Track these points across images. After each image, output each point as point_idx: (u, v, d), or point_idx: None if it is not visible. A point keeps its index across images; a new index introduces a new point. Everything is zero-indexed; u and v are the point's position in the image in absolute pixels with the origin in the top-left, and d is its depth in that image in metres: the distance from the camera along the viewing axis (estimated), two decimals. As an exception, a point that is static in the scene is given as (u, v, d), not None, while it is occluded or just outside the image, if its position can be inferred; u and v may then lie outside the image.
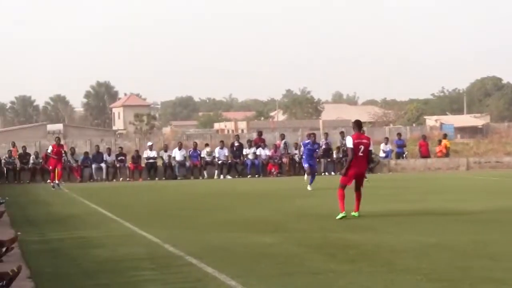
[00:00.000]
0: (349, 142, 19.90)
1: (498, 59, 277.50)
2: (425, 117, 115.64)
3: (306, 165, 31.47)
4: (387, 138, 57.32)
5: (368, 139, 20.04)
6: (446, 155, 53.73)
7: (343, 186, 19.73)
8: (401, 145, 55.00)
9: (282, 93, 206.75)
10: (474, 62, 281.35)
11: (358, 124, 20.26)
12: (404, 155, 54.11)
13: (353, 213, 19.67)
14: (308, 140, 31.36)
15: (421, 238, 15.95)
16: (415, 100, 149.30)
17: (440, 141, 54.20)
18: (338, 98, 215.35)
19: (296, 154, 48.78)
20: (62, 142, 44.68)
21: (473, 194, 28.02)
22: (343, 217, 19.29)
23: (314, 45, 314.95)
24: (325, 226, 18.62)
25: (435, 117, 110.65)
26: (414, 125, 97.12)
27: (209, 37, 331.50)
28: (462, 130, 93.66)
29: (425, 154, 53.47)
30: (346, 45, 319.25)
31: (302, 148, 31.22)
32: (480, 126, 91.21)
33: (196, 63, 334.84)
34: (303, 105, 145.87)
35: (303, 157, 31.60)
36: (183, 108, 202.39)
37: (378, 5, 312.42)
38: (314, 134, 32.12)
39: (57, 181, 37.67)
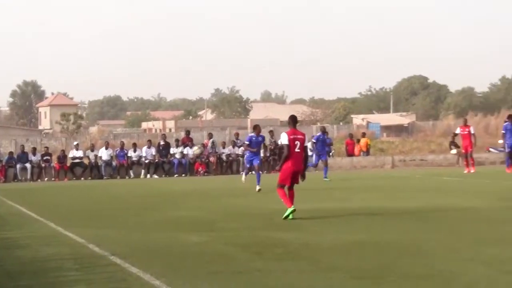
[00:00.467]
0: (284, 138, 19.21)
1: (425, 58, 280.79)
2: (352, 116, 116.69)
3: (250, 164, 30.33)
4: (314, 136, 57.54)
5: (303, 134, 19.53)
6: (367, 153, 54.48)
7: (281, 186, 19.25)
8: (328, 144, 55.32)
9: (210, 92, 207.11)
10: (401, 61, 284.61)
11: (293, 120, 19.89)
12: (331, 154, 54.44)
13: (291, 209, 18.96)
14: (252, 134, 30.01)
15: (347, 236, 16.05)
16: (343, 99, 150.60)
17: (358, 140, 54.83)
18: (266, 97, 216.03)
19: (224, 153, 48.88)
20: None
21: (397, 192, 28.29)
22: (292, 211, 18.71)
23: (243, 45, 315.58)
24: (252, 225, 18.64)
25: (362, 116, 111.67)
26: (341, 123, 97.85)
27: (137, 37, 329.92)
28: (388, 129, 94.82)
29: (351, 152, 54.02)
30: (274, 45, 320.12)
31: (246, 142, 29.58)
32: (406, 125, 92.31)
33: (124, 62, 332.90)
34: (231, 104, 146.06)
35: (247, 154, 30.11)
36: (111, 107, 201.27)
37: (304, 5, 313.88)
38: (257, 125, 30.74)
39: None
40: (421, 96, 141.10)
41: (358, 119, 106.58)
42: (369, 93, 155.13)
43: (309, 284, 10.94)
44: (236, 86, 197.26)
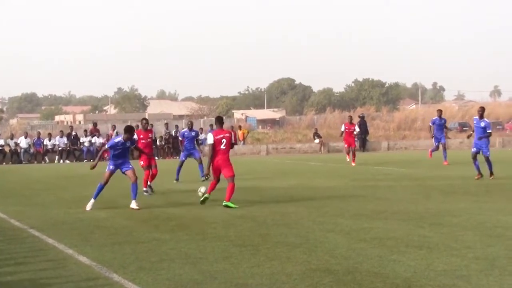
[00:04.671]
0: (210, 139, 17.84)
1: (292, 63, 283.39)
2: (233, 111, 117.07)
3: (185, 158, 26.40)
4: (201, 129, 57.54)
5: (230, 132, 18.43)
6: (244, 142, 55.14)
7: (214, 178, 17.62)
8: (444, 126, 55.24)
9: (114, 90, 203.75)
10: (273, 65, 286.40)
11: (219, 120, 18.69)
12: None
13: (224, 202, 17.05)
14: (185, 129, 27.37)
15: (229, 211, 16.09)
16: (225, 97, 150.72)
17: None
18: (161, 95, 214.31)
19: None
20: None
21: (271, 174, 28.51)
22: (205, 198, 17.49)
23: (143, 48, 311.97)
24: (150, 202, 18.53)
25: (241, 111, 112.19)
26: (224, 117, 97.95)
27: (49, 38, 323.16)
28: (263, 122, 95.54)
29: (233, 141, 54.24)
30: (168, 50, 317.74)
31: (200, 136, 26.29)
32: (277, 119, 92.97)
33: (40, 63, 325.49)
34: (131, 101, 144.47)
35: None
36: (28, 102, 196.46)
37: (198, 10, 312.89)
38: (191, 122, 28.19)
39: None
40: (289, 95, 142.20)
41: (238, 114, 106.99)
42: (247, 92, 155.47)
43: (199, 250, 10.92)
44: (135, 85, 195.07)
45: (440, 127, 32.68)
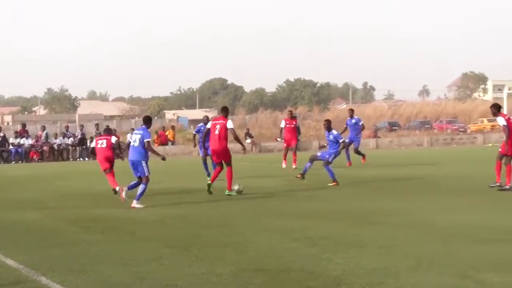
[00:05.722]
0: (208, 124, 19.76)
1: (224, 63, 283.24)
2: (165, 111, 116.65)
3: None
4: (133, 129, 57.04)
5: (225, 119, 19.04)
6: (172, 143, 55.20)
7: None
8: (144, 135, 55.35)
9: (44, 91, 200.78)
10: (205, 65, 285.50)
11: (223, 109, 19.98)
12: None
13: (226, 192, 19.01)
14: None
15: (162, 211, 16.02)
16: (157, 97, 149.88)
17: (157, 132, 55.34)
18: (92, 95, 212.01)
19: (55, 143, 48.05)
20: None
21: (202, 174, 28.40)
22: (208, 185, 19.10)
23: (73, 48, 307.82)
24: (81, 204, 18.30)
25: (173, 111, 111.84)
26: (155, 118, 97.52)
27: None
28: (195, 122, 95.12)
29: (164, 142, 54.12)
30: (98, 50, 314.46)
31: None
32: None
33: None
34: (61, 101, 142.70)
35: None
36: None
37: (128, 9, 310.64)
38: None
39: None
40: (221, 95, 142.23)
41: (170, 114, 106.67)
42: (178, 92, 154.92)
43: (128, 252, 10.81)
44: (65, 86, 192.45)
45: (352, 127, 30.64)
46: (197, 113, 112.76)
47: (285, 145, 30.14)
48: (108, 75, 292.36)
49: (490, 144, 55.67)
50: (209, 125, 19.43)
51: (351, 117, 30.88)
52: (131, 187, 17.67)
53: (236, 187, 19.07)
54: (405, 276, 8.53)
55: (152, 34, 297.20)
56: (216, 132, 18.85)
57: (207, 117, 27.01)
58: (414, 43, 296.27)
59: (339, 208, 15.75)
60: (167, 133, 55.75)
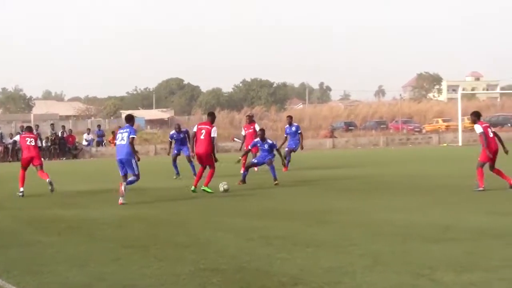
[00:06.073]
0: (195, 127, 20.07)
1: (182, 62, 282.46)
2: (121, 111, 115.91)
3: None
4: (89, 129, 57.04)
5: (211, 126, 19.63)
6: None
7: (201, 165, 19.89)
8: (100, 135, 55.03)
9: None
10: (161, 65, 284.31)
11: (210, 115, 20.35)
12: (103, 143, 54.05)
13: (202, 187, 19.52)
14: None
15: (120, 212, 15.96)
16: (113, 97, 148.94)
17: (113, 132, 55.08)
18: (47, 95, 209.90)
19: (10, 143, 47.59)
20: None
21: (160, 175, 28.37)
22: (192, 190, 19.48)
23: (27, 48, 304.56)
24: (37, 204, 18.18)
25: (129, 111, 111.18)
26: (112, 118, 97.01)
27: None
28: (151, 122, 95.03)
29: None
30: (54, 49, 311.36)
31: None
32: (166, 119, 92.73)
33: None
34: (16, 101, 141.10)
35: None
36: None
37: (80, 9, 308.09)
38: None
39: None
40: (178, 95, 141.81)
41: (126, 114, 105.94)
42: (135, 92, 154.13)
43: (86, 253, 10.76)
44: (20, 85, 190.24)
45: (292, 135, 29.30)
46: (154, 113, 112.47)
47: (245, 148, 27.75)
48: (63, 75, 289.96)
49: (445, 144, 56.38)
50: (195, 129, 19.92)
51: (290, 124, 29.67)
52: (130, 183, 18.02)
53: (225, 187, 19.80)
54: (362, 275, 8.62)
55: (107, 34, 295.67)
56: (202, 137, 19.46)
57: (178, 125, 28.55)
58: (370, 43, 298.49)
59: (295, 208, 15.84)
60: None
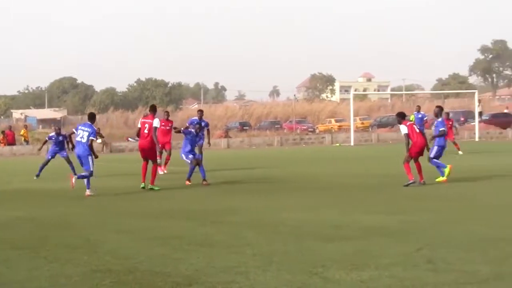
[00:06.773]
0: (138, 123, 20.63)
1: (75, 61, 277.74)
2: (12, 110, 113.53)
3: None
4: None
5: (153, 118, 20.07)
6: (27, 142, 54.28)
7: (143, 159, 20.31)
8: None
9: None
10: (55, 63, 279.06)
11: (151, 108, 20.74)
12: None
13: (150, 186, 20.02)
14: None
15: (7, 213, 15.56)
16: (3, 96, 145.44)
17: (3, 132, 54.03)
18: None
19: None
20: None
21: (49, 175, 27.84)
22: (142, 187, 19.99)
23: None
24: None
25: (20, 111, 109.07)
26: (2, 117, 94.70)
27: None
28: (44, 122, 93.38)
29: (11, 142, 52.66)
30: None
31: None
32: (58, 118, 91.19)
33: None
34: None
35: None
36: None
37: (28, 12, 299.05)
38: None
39: None
40: (71, 94, 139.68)
41: (17, 114, 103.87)
42: (26, 91, 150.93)
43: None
44: None
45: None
46: (46, 113, 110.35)
47: (163, 148, 26.63)
48: None
49: (338, 144, 57.28)
50: (139, 124, 20.48)
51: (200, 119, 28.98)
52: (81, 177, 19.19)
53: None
54: (255, 275, 8.64)
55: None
56: (145, 131, 20.02)
57: (59, 127, 28.83)
58: (264, 44, 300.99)
59: (190, 208, 15.78)
60: (22, 132, 54.76)
